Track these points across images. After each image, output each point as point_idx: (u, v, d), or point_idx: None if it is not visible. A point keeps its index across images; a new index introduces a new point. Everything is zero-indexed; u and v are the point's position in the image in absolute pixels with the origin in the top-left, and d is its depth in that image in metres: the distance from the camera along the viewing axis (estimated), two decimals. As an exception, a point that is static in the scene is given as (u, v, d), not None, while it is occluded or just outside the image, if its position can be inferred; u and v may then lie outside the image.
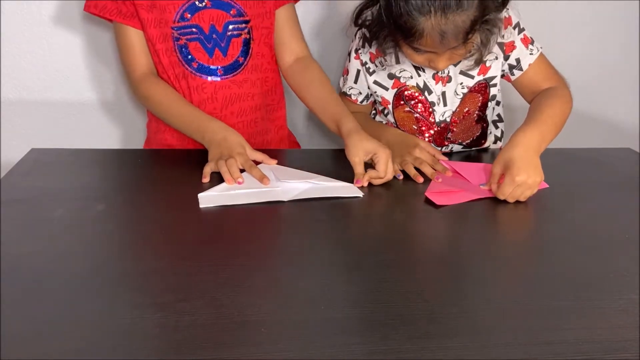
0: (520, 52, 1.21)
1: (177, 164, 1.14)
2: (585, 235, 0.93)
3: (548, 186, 1.07)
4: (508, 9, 1.14)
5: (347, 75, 1.30)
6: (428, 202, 1.00)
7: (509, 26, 1.17)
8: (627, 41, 1.70)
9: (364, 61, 1.26)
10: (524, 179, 0.98)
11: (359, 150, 1.07)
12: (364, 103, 1.31)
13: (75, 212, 0.93)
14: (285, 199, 0.98)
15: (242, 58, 1.23)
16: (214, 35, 1.20)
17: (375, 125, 1.28)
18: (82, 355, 0.60)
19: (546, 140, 1.07)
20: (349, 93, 1.30)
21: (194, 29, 1.18)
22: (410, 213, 1.01)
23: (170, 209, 0.97)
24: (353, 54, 1.27)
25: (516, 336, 0.66)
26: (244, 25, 1.22)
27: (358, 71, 1.28)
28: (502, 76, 1.25)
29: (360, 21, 1.18)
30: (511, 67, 1.23)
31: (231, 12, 1.20)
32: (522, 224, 0.99)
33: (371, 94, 1.30)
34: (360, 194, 1.02)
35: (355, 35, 1.27)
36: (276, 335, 0.65)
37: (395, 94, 1.26)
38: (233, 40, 1.21)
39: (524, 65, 1.21)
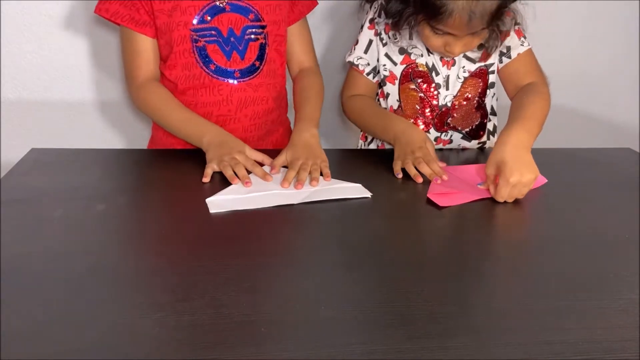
0: (512, 41, 1.24)
1: (178, 164, 1.14)
2: (585, 235, 0.93)
3: (547, 180, 1.08)
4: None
5: (357, 45, 1.29)
6: (429, 202, 1.00)
7: (507, 17, 1.19)
8: (627, 41, 1.70)
9: (378, 31, 1.26)
10: (518, 178, 0.98)
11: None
12: (370, 77, 1.30)
13: (75, 212, 0.93)
14: (295, 202, 0.98)
15: (258, 62, 1.25)
16: (232, 39, 1.21)
17: (382, 114, 1.28)
18: (82, 355, 0.60)
19: (533, 135, 1.07)
20: (356, 63, 1.29)
21: (213, 32, 1.19)
22: (410, 213, 1.01)
23: (171, 209, 0.98)
24: (367, 24, 1.27)
25: (516, 336, 0.66)
26: (260, 30, 1.23)
27: (370, 41, 1.27)
28: None
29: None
30: (501, 54, 1.26)
31: (249, 16, 1.21)
32: (522, 224, 0.99)
33: (379, 70, 1.29)
34: (368, 194, 1.02)
35: (370, 7, 1.26)
36: (276, 335, 0.65)
37: (402, 71, 1.26)
38: (250, 44, 1.23)
39: (513, 54, 1.25)
